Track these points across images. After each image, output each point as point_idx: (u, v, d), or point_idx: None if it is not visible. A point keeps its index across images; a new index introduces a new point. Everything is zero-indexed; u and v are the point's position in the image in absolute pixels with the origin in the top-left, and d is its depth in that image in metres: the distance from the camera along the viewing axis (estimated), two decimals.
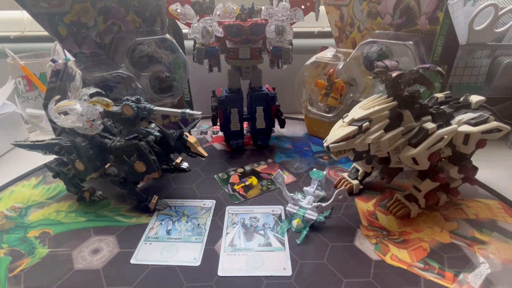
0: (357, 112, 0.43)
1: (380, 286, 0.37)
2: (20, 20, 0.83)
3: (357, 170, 0.55)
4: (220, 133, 0.74)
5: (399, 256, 0.41)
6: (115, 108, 0.47)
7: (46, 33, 0.54)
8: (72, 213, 0.50)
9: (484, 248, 0.42)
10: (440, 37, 0.55)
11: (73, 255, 0.42)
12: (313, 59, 0.68)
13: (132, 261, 0.41)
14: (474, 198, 0.52)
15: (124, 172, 0.49)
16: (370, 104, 0.43)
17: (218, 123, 0.68)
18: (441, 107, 0.46)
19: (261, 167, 0.62)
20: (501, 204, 0.50)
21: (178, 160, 0.61)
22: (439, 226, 0.46)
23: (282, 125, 0.69)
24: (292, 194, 0.49)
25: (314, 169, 0.54)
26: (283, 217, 0.48)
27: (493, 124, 0.43)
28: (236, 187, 0.56)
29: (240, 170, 0.61)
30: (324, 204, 0.46)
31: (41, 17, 0.53)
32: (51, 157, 0.52)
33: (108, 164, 0.52)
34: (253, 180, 0.57)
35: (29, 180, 0.58)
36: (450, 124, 0.44)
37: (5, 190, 0.56)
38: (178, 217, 0.48)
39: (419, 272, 0.39)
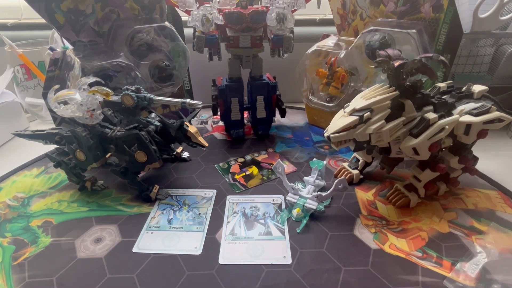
0: (358, 102, 0.42)
1: (379, 274, 0.38)
2: (17, 7, 0.81)
3: (358, 160, 0.55)
4: (221, 123, 0.74)
5: (397, 245, 0.41)
6: (115, 98, 0.46)
7: (43, 21, 0.53)
8: (74, 203, 0.50)
9: (482, 238, 0.42)
10: (444, 25, 0.54)
11: (76, 244, 0.43)
12: (314, 47, 0.67)
13: (134, 249, 0.41)
14: (473, 188, 0.52)
15: (125, 162, 0.49)
16: (372, 94, 0.42)
17: (219, 113, 0.68)
18: (443, 97, 0.46)
19: (261, 157, 0.62)
20: (500, 194, 0.51)
21: (179, 150, 0.61)
22: (438, 216, 0.46)
23: (282, 114, 0.69)
24: (292, 184, 0.49)
25: (315, 159, 0.54)
26: (283, 206, 0.49)
27: (495, 114, 0.43)
28: (236, 176, 0.56)
29: (241, 159, 0.61)
30: (324, 194, 0.46)
31: (38, 4, 0.52)
32: (52, 147, 0.52)
33: (109, 154, 0.52)
34: (254, 169, 0.58)
35: (30, 170, 0.59)
36: (451, 114, 0.44)
37: (7, 180, 0.56)
38: (179, 207, 0.49)
39: (417, 260, 0.39)
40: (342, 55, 0.63)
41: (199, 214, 0.47)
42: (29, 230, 0.45)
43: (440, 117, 0.42)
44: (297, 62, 0.70)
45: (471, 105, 0.45)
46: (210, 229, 0.45)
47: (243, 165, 0.59)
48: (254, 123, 0.70)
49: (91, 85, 0.46)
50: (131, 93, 0.45)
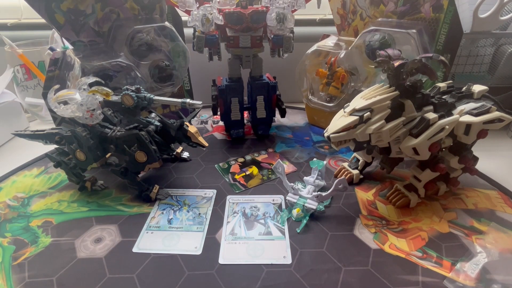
0: (358, 102, 0.42)
1: (379, 274, 0.38)
2: (17, 7, 0.81)
3: (358, 160, 0.55)
4: (221, 123, 0.74)
5: (397, 245, 0.41)
6: (115, 98, 0.46)
7: (43, 21, 0.54)
8: (74, 203, 0.50)
9: (482, 238, 0.42)
10: (444, 25, 0.54)
11: (76, 244, 0.43)
12: (314, 47, 0.67)
13: (134, 249, 0.41)
14: (473, 188, 0.52)
15: (125, 162, 0.49)
16: (372, 94, 0.42)
17: (219, 113, 0.68)
18: (443, 97, 0.46)
19: (261, 157, 0.62)
20: (500, 194, 0.51)
21: (179, 149, 0.61)
22: (438, 216, 0.46)
23: (282, 114, 0.69)
24: (292, 184, 0.49)
25: (315, 159, 0.54)
26: (283, 206, 0.49)
27: (495, 114, 0.43)
28: (236, 176, 0.56)
29: (241, 159, 0.61)
30: (324, 194, 0.46)
31: (38, 4, 0.52)
32: (52, 147, 0.52)
33: (109, 154, 0.52)
34: (254, 169, 0.58)
35: (30, 170, 0.59)
36: (451, 114, 0.44)
37: (7, 180, 0.56)
38: (179, 207, 0.49)
39: (417, 260, 0.39)
40: (342, 55, 0.63)
41: (199, 214, 0.47)
42: (29, 230, 0.45)
43: (440, 117, 0.42)
44: (297, 62, 0.70)
45: (471, 105, 0.45)
46: (210, 229, 0.45)
47: (243, 165, 0.59)
48: (254, 123, 0.70)
49: (91, 85, 0.46)
50: (131, 93, 0.45)
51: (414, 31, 0.54)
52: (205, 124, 0.77)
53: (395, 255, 0.40)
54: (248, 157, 0.62)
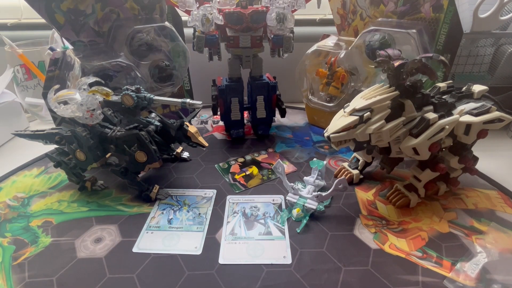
0: (358, 102, 0.42)
1: (379, 274, 0.38)
2: (17, 7, 0.81)
3: (358, 160, 0.55)
4: (221, 123, 0.74)
5: (397, 245, 0.41)
6: (115, 98, 0.46)
7: (43, 21, 0.54)
8: (74, 203, 0.50)
9: (482, 238, 0.42)
10: (444, 25, 0.54)
11: (76, 244, 0.43)
12: (314, 47, 0.67)
13: (134, 249, 0.41)
14: (473, 188, 0.52)
15: (125, 162, 0.49)
16: (372, 94, 0.42)
17: (219, 113, 0.68)
18: (443, 97, 0.46)
19: (261, 157, 0.62)
20: (500, 194, 0.51)
21: (179, 149, 0.61)
22: (438, 216, 0.46)
23: (282, 114, 0.69)
24: (292, 184, 0.49)
25: (315, 159, 0.54)
26: (283, 206, 0.49)
27: (495, 114, 0.43)
28: (236, 176, 0.56)
29: (241, 159, 0.61)
30: (324, 194, 0.46)
31: (38, 4, 0.52)
32: (52, 147, 0.52)
33: (109, 154, 0.52)
34: (254, 169, 0.58)
35: (30, 170, 0.59)
36: (451, 114, 0.44)
37: (7, 180, 0.56)
38: (179, 207, 0.49)
39: (417, 260, 0.39)
40: (342, 55, 0.63)
41: (199, 214, 0.47)
42: (29, 230, 0.45)
43: (440, 117, 0.42)
44: (297, 62, 0.70)
45: (471, 105, 0.45)
46: (210, 229, 0.45)
47: (243, 165, 0.59)
48: (254, 123, 0.70)
49: (91, 85, 0.46)
50: (131, 93, 0.45)
51: (414, 31, 0.54)
52: (205, 124, 0.77)
53: (395, 255, 0.40)
54: (248, 157, 0.62)
